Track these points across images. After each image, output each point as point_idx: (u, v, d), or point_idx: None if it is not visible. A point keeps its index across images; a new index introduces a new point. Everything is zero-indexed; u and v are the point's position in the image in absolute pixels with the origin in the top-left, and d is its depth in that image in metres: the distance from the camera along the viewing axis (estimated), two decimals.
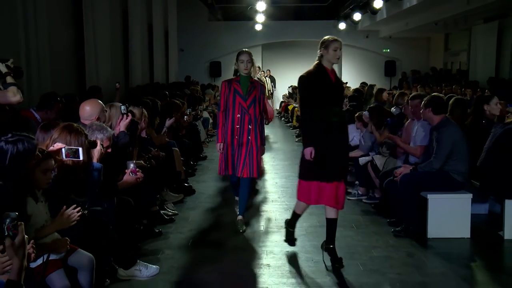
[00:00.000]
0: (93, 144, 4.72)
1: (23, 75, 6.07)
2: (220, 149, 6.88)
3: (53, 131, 4.60)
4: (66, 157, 4.31)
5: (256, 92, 6.84)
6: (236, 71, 7.22)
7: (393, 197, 6.81)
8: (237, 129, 6.74)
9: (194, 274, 5.47)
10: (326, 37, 5.75)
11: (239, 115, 6.73)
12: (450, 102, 7.24)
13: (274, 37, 26.40)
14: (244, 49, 6.96)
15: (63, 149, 4.31)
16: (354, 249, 6.13)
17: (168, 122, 8.93)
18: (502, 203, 6.38)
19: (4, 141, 3.54)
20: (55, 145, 4.36)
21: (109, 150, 5.23)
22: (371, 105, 9.13)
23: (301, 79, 5.64)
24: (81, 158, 4.36)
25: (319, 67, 5.64)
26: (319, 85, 5.53)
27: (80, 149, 4.35)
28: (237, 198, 7.16)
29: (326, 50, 5.63)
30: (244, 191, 6.96)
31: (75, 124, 4.62)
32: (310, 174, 5.65)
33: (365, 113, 8.48)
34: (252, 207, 7.80)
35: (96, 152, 4.80)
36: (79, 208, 4.04)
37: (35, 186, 3.87)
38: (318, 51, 5.69)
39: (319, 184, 5.64)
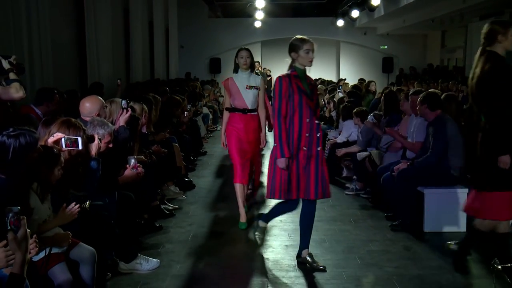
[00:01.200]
0: (91, 139, 4.76)
1: (25, 71, 6.13)
2: (285, 167, 5.26)
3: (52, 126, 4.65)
4: (65, 147, 4.35)
5: (316, 90, 5.62)
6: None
7: (390, 192, 6.87)
8: (306, 139, 5.30)
9: (194, 267, 5.53)
10: (496, 23, 4.99)
11: (308, 120, 5.29)
12: (442, 98, 7.29)
13: (273, 34, 26.40)
14: (303, 36, 5.51)
15: (62, 139, 4.35)
16: (352, 243, 6.20)
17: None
18: None
19: (6, 135, 3.54)
20: (54, 135, 4.39)
21: (111, 146, 5.29)
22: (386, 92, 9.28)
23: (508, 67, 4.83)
24: (80, 147, 4.40)
25: (499, 57, 4.87)
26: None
27: (79, 138, 4.39)
28: (262, 224, 5.93)
29: (505, 37, 4.88)
30: (311, 218, 5.60)
31: (73, 119, 4.66)
32: None
33: (370, 117, 8.49)
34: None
35: (94, 146, 4.83)
36: (78, 205, 4.11)
37: (48, 183, 3.96)
38: (483, 38, 4.98)
39: None
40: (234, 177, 6.92)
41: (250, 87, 6.83)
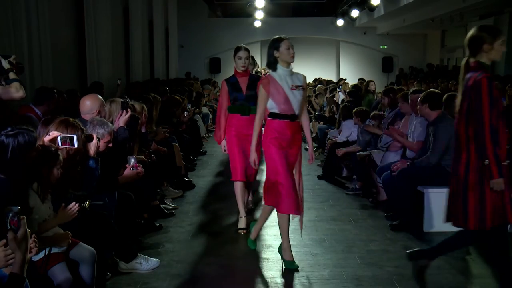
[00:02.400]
0: (89, 138, 4.75)
1: (24, 71, 6.12)
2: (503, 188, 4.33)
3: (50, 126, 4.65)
4: (61, 145, 4.35)
5: None
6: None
7: (390, 192, 6.87)
8: (505, 151, 4.38)
9: (194, 267, 5.52)
10: None
11: (507, 129, 4.39)
12: (444, 98, 7.29)
13: (273, 33, 25.76)
14: (491, 25, 4.31)
15: (58, 137, 4.35)
16: (352, 242, 6.20)
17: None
18: None
19: (4, 135, 3.55)
20: (50, 133, 4.39)
21: (110, 145, 5.29)
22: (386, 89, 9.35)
23: None
24: (75, 145, 4.40)
25: None
26: None
27: (75, 136, 4.38)
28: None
29: None
30: None
31: (71, 119, 4.66)
32: None
33: (368, 121, 8.49)
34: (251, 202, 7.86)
35: (93, 146, 4.80)
36: (77, 204, 4.11)
37: (48, 182, 3.95)
38: None
39: None
40: (284, 206, 5.42)
41: (297, 87, 5.50)
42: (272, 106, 5.49)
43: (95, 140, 4.83)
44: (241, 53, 6.69)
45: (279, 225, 5.57)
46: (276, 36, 5.57)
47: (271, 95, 5.43)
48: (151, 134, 7.89)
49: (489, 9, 18.00)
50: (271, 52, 5.45)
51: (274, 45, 5.45)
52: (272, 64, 5.47)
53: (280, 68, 5.46)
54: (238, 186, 6.73)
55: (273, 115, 5.51)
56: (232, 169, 6.77)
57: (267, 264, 5.58)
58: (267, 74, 5.63)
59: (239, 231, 6.57)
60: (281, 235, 5.59)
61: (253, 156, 5.66)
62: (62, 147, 4.37)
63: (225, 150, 6.87)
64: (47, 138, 4.33)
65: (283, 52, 5.40)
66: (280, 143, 5.46)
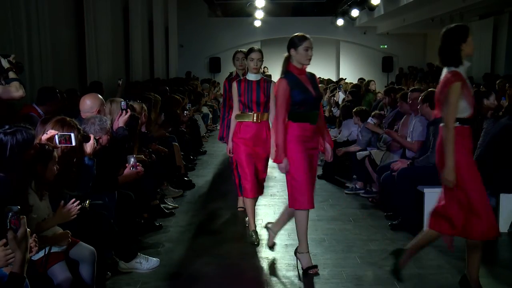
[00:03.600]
0: (86, 138, 4.75)
1: (24, 70, 6.12)
2: None
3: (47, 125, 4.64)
4: (59, 143, 4.34)
5: None
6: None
7: (390, 191, 6.87)
8: None
9: (193, 266, 5.52)
10: None
11: None
12: None
13: (273, 33, 26.41)
14: None
15: (56, 136, 4.33)
16: (352, 242, 6.20)
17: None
18: (497, 197, 6.44)
19: (3, 133, 3.54)
20: (48, 132, 4.37)
21: (109, 137, 5.29)
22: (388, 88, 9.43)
23: None
24: (73, 143, 4.38)
25: None
26: None
27: (72, 135, 4.35)
28: None
29: None
30: None
31: (68, 118, 4.64)
32: None
33: (370, 119, 8.50)
34: None
35: (89, 146, 4.78)
36: (78, 201, 4.11)
37: (45, 180, 3.95)
38: None
39: None
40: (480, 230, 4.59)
41: None
42: (465, 109, 4.45)
43: (92, 141, 4.82)
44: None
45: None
46: (459, 24, 4.60)
47: (464, 96, 4.41)
48: (151, 133, 7.89)
49: (489, 9, 18.02)
50: (457, 46, 4.47)
51: (462, 36, 4.49)
52: (457, 59, 4.45)
53: (466, 63, 4.50)
54: (303, 213, 5.33)
55: (462, 121, 4.43)
56: (297, 196, 5.22)
57: (267, 264, 5.58)
58: (453, 70, 4.48)
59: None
60: None
61: (451, 175, 4.41)
62: (60, 145, 4.36)
63: (286, 172, 5.20)
64: (44, 137, 4.33)
65: (470, 43, 4.50)
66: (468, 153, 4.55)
